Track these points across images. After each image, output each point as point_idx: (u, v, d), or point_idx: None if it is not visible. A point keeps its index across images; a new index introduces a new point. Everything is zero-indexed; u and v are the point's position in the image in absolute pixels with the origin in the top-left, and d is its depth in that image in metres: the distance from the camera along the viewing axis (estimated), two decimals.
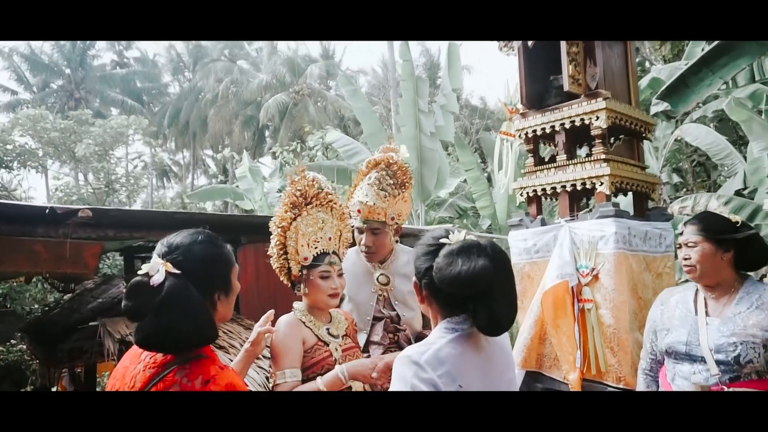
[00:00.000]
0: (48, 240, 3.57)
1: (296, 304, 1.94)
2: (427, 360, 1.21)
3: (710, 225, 1.92)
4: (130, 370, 1.21)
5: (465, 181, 7.74)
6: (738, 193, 6.19)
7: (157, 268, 1.14)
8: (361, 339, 2.21)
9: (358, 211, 2.25)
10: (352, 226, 2.26)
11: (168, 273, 1.14)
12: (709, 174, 9.17)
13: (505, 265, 1.27)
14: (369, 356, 2.16)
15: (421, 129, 8.09)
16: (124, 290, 1.14)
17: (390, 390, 1.26)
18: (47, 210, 3.06)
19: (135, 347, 1.27)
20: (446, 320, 1.30)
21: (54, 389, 8.60)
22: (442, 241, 1.30)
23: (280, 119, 22.69)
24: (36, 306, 9.53)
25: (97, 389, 9.12)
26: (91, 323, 7.01)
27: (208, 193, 13.01)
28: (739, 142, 7.88)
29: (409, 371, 1.20)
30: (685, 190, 9.01)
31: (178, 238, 1.25)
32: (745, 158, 6.25)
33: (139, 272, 1.15)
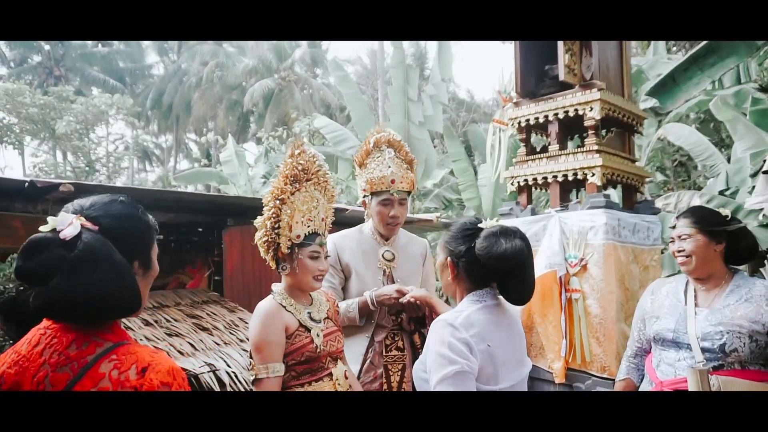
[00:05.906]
0: (26, 216, 3.47)
1: (275, 287, 1.88)
2: (461, 323, 1.43)
3: (703, 217, 1.97)
4: (30, 369, 0.96)
5: (451, 172, 7.71)
6: (721, 193, 6.27)
7: (68, 221, 0.95)
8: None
9: (392, 181, 2.26)
10: (357, 204, 2.28)
11: (84, 227, 0.96)
12: (689, 174, 9.28)
13: (530, 246, 1.50)
14: (370, 337, 2.24)
15: (410, 118, 8.05)
16: (20, 251, 0.93)
17: (430, 347, 1.44)
18: (26, 184, 2.96)
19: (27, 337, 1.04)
20: (472, 294, 1.53)
21: None
22: (480, 225, 1.52)
23: (265, 105, 22.43)
24: (10, 285, 9.28)
25: None
26: None
27: (195, 176, 12.87)
28: (720, 144, 7.97)
29: (446, 331, 1.42)
30: (666, 188, 9.11)
31: (92, 197, 1.06)
32: (727, 160, 6.32)
33: (42, 228, 0.95)
